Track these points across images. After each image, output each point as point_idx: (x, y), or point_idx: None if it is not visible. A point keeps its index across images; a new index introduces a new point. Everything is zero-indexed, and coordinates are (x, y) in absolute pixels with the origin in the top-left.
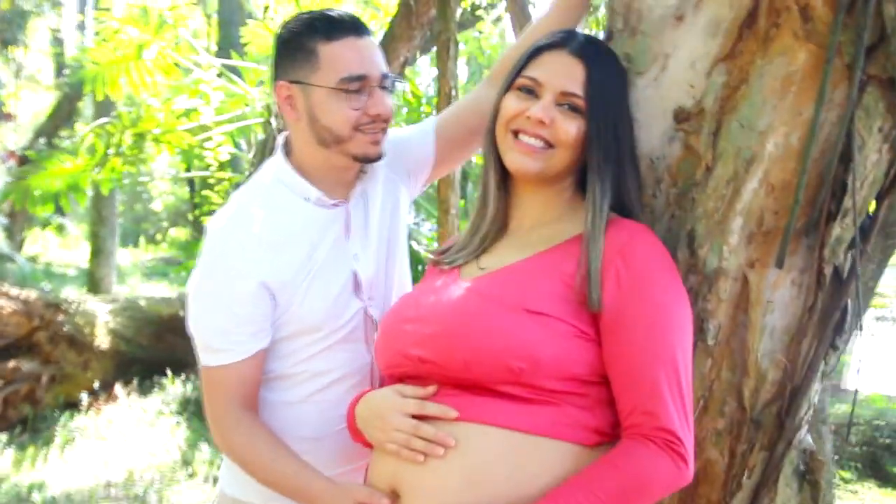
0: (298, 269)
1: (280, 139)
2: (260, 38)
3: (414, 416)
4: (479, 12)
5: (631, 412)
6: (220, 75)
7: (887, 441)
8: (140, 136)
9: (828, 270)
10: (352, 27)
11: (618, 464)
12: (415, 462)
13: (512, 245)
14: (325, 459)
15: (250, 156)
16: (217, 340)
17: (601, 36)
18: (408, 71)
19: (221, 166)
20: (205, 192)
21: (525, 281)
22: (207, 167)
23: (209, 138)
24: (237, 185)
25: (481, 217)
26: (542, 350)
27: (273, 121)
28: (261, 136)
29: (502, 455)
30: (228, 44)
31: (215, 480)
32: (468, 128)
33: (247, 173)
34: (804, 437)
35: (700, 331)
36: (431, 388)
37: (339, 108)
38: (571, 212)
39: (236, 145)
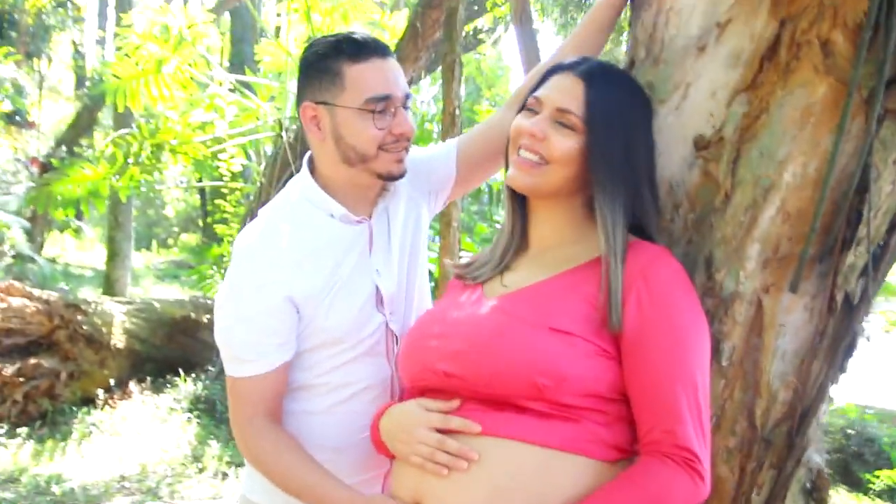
0: (323, 284)
1: (305, 158)
2: (272, 55)
3: (437, 430)
4: (480, 35)
5: (650, 430)
6: (233, 90)
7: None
8: (158, 147)
9: (839, 296)
10: (376, 49)
11: (637, 481)
12: (438, 475)
13: (534, 264)
14: (346, 469)
15: (261, 167)
16: (243, 352)
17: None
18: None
19: (233, 176)
20: (217, 201)
21: (548, 300)
22: (221, 177)
23: (223, 150)
24: (247, 195)
25: (501, 233)
26: (566, 367)
27: (283, 134)
28: (268, 147)
29: (524, 469)
30: (240, 60)
31: (224, 475)
32: (489, 148)
33: (258, 183)
34: (811, 455)
35: (715, 352)
36: (455, 403)
37: (364, 127)
38: (592, 233)
39: (248, 157)
